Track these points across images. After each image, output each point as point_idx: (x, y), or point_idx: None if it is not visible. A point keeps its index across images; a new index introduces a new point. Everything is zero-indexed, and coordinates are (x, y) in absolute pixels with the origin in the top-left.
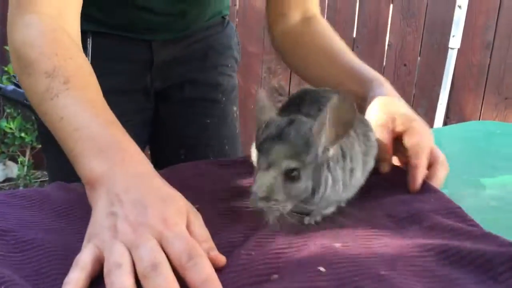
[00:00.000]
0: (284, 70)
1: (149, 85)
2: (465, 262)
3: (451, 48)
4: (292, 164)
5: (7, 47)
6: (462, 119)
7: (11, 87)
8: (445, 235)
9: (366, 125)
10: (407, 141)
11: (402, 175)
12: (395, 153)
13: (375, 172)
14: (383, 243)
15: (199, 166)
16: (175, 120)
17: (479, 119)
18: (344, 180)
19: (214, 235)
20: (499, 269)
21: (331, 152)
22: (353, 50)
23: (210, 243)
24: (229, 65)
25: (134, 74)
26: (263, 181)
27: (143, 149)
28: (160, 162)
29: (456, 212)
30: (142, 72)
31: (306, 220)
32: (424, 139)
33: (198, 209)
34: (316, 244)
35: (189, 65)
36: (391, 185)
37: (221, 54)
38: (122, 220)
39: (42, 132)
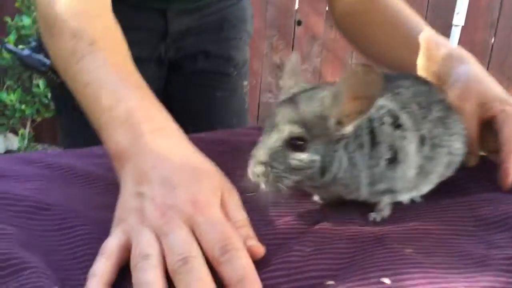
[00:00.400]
0: (286, 46)
1: (163, 55)
2: None
3: (455, 25)
4: (297, 130)
5: (8, 18)
6: None
7: (27, 51)
8: None
9: (447, 109)
10: (500, 128)
11: (491, 168)
12: (484, 141)
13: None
14: (464, 251)
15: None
16: (185, 91)
17: None
18: (375, 170)
19: (258, 221)
20: None
21: (348, 129)
22: None
23: (248, 230)
24: (242, 39)
25: (148, 44)
26: (264, 144)
27: None
28: None
29: None
30: (157, 42)
31: (372, 216)
32: None
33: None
34: (381, 246)
35: (203, 36)
36: (477, 179)
37: (234, 27)
38: (149, 202)
39: (57, 97)
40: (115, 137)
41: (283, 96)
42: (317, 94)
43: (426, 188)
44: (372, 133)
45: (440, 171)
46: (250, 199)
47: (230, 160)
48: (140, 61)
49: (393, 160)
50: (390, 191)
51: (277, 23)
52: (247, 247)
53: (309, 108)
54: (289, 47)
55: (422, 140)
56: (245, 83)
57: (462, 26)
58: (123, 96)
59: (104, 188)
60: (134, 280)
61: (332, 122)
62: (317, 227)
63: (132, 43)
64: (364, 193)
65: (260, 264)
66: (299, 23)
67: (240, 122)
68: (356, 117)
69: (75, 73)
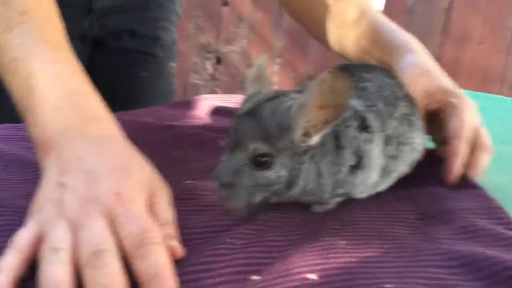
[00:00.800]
0: (213, 27)
1: (87, 31)
2: (499, 279)
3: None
4: (262, 148)
5: None
6: None
7: None
8: (479, 241)
9: (411, 105)
10: (446, 121)
11: (437, 162)
12: (431, 133)
13: None
14: (398, 245)
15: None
16: (110, 70)
17: None
18: (338, 177)
19: (184, 215)
20: None
21: (315, 139)
22: (281, 10)
23: (171, 229)
24: (170, 19)
25: (71, 19)
26: (227, 164)
27: None
28: None
29: (495, 213)
30: (80, 18)
31: (315, 208)
32: (465, 118)
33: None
34: (315, 240)
35: (128, 14)
36: (422, 173)
37: (162, 7)
38: (70, 194)
39: None
40: (42, 123)
41: (244, 105)
42: (281, 105)
43: (384, 186)
44: (337, 138)
45: (402, 170)
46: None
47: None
48: None
49: (357, 167)
50: (348, 195)
51: (203, 3)
52: (166, 246)
53: (273, 121)
54: (215, 28)
55: (387, 141)
56: (173, 64)
57: (382, 11)
58: (56, 79)
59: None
60: (39, 274)
61: (298, 134)
62: (253, 220)
63: None
64: (325, 198)
65: (187, 257)
66: (225, 3)
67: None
68: (323, 127)
69: (2, 43)
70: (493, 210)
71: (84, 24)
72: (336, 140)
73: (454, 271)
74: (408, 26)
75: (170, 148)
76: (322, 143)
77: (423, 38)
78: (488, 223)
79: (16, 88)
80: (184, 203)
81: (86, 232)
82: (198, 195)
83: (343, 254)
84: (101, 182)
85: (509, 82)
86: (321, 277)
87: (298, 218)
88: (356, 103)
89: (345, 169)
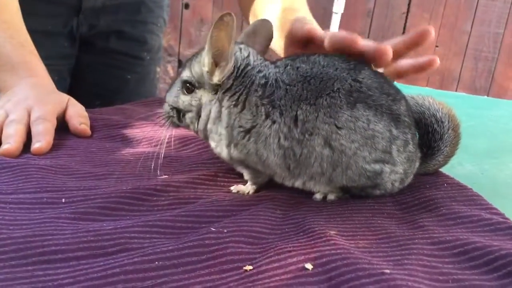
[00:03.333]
0: (174, 30)
1: (75, 30)
2: (492, 267)
3: (335, 13)
4: (188, 75)
5: None
6: None
7: None
8: (464, 226)
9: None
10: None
11: None
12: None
13: None
14: (387, 235)
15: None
16: (96, 71)
17: None
18: (233, 133)
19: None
20: None
21: (216, 78)
22: None
23: (83, 119)
24: (158, 25)
25: (60, 17)
26: (171, 88)
27: None
28: None
29: (476, 200)
30: (69, 16)
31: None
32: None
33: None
34: (303, 231)
35: (118, 16)
36: None
37: (151, 12)
38: (12, 104)
39: None
40: (2, 78)
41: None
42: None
43: (300, 182)
44: (246, 98)
45: (319, 171)
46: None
47: None
48: (50, 35)
49: (249, 132)
50: (249, 165)
51: None
52: (79, 128)
53: (198, 58)
54: (177, 30)
55: (293, 122)
56: (158, 69)
57: (342, 13)
58: (10, 50)
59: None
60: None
61: (204, 70)
62: (236, 213)
63: (44, 16)
64: (224, 155)
65: (173, 246)
66: (186, 6)
67: None
68: (219, 68)
69: None
70: (473, 197)
71: (73, 23)
72: (244, 100)
73: (448, 260)
74: (367, 29)
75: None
76: (232, 93)
77: (382, 40)
78: (472, 209)
79: None
80: (162, 196)
81: (12, 114)
82: (175, 188)
83: (335, 244)
84: (28, 100)
85: (464, 83)
86: (316, 266)
87: (281, 211)
88: (276, 75)
89: (238, 129)
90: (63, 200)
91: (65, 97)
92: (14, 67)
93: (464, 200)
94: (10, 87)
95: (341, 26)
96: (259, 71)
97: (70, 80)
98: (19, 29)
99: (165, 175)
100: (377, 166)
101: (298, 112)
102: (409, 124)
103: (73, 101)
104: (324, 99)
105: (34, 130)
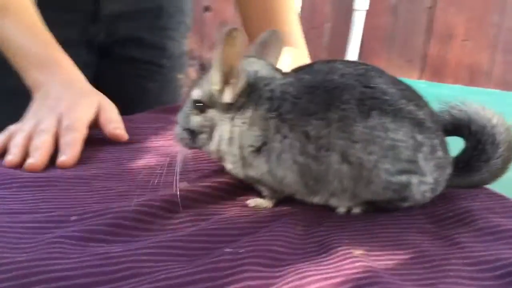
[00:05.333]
0: (195, 33)
1: (93, 38)
2: None
3: (358, 10)
4: (199, 94)
5: None
6: None
7: None
8: (505, 242)
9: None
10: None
11: None
12: None
13: None
14: (419, 254)
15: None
16: (116, 80)
17: None
18: (244, 152)
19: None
20: None
21: (226, 97)
22: None
23: (118, 124)
24: (179, 30)
25: (76, 25)
26: (183, 108)
27: None
28: None
29: None
30: (86, 24)
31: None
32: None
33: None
34: (326, 251)
35: (136, 22)
36: None
37: (172, 17)
38: (44, 110)
39: None
40: (33, 76)
41: None
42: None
43: (320, 199)
44: (253, 113)
45: (340, 187)
46: None
47: None
48: (68, 44)
49: (259, 150)
50: (263, 183)
51: None
52: (114, 133)
53: (208, 76)
54: (198, 34)
55: (305, 138)
56: (181, 76)
57: (367, 10)
58: (37, 49)
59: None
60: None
61: (214, 88)
62: (255, 230)
63: (59, 25)
64: (241, 176)
65: (189, 269)
66: (207, 8)
67: None
68: (228, 85)
69: None
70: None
71: (91, 30)
72: (251, 116)
73: (489, 284)
74: (392, 25)
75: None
76: (244, 111)
77: (408, 36)
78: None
79: (12, 58)
80: (175, 211)
81: (41, 124)
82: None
83: (362, 266)
84: (62, 102)
85: (495, 78)
86: None
87: (302, 227)
88: (282, 87)
89: (248, 148)
90: (72, 218)
91: (97, 98)
92: (44, 64)
93: (504, 212)
94: (42, 85)
95: (365, 23)
96: (266, 84)
97: None
98: (41, 28)
99: (185, 181)
100: (403, 178)
101: (309, 128)
102: (436, 129)
103: (105, 102)
104: (333, 112)
105: (62, 141)
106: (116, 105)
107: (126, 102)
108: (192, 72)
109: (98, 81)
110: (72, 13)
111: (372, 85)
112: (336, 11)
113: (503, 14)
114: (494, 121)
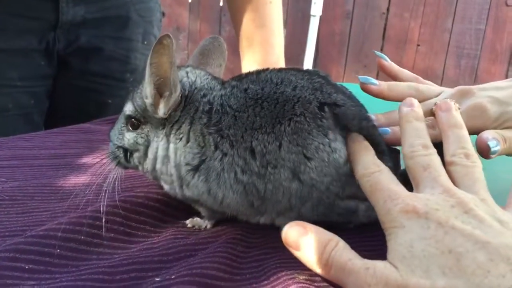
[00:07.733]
0: None
1: (51, 46)
2: None
3: (313, 16)
4: (131, 109)
5: None
6: None
7: None
8: None
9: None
10: None
11: None
12: None
13: None
14: None
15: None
16: (74, 94)
17: None
18: (181, 171)
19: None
20: None
21: (160, 111)
22: (220, 19)
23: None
24: (145, 42)
25: (34, 33)
26: (116, 125)
27: (40, 122)
28: None
29: None
30: (44, 31)
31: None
32: None
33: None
34: (271, 275)
35: (99, 31)
36: None
37: (139, 28)
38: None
39: None
40: None
41: None
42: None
43: (266, 219)
44: (190, 129)
45: (287, 204)
46: None
47: None
48: (25, 53)
49: (197, 169)
50: (207, 205)
51: None
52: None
53: (140, 89)
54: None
55: (248, 154)
56: None
57: (320, 16)
58: None
59: None
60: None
61: (148, 103)
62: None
63: (15, 32)
64: (179, 197)
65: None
66: (162, 14)
67: None
68: (162, 101)
69: None
70: None
71: (49, 38)
72: (188, 131)
73: None
74: (348, 31)
75: None
76: (179, 126)
77: (364, 42)
78: None
79: None
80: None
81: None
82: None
83: None
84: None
85: (448, 82)
86: None
87: (243, 248)
88: (221, 99)
89: (185, 167)
90: None
91: None
92: None
93: None
94: None
95: (320, 29)
96: (203, 95)
97: (49, 104)
98: None
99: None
100: (351, 204)
101: (254, 144)
102: (389, 151)
103: None
104: (286, 125)
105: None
106: (72, 119)
107: (85, 118)
108: None
109: (54, 93)
110: (29, 19)
111: (329, 101)
112: (292, 17)
113: (455, 20)
114: None
